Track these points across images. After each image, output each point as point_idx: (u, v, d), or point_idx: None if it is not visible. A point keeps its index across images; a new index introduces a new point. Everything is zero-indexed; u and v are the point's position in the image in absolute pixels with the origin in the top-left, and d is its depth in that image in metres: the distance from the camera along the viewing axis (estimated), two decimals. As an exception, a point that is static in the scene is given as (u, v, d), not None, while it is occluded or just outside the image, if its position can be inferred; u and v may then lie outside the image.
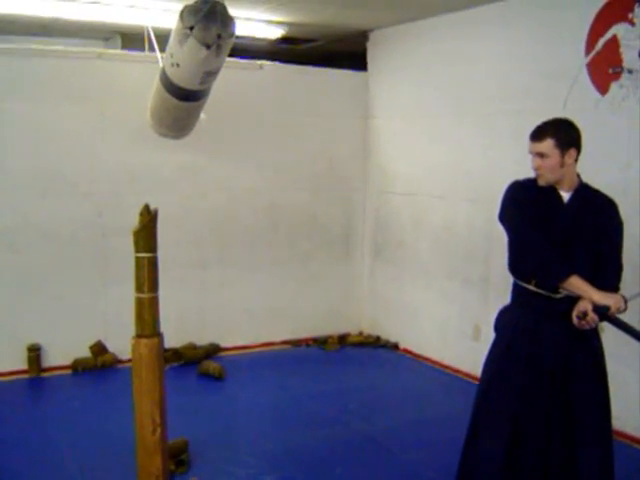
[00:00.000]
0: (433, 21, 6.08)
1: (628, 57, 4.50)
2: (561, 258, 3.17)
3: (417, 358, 6.48)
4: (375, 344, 6.86)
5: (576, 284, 3.10)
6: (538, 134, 3.25)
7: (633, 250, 4.51)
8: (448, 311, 6.12)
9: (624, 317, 3.15)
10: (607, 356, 4.80)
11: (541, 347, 3.24)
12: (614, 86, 4.60)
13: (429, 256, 6.35)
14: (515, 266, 3.37)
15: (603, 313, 3.06)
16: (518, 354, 3.29)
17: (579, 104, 4.81)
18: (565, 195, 3.29)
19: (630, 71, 4.48)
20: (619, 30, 4.55)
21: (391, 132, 6.80)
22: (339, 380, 5.94)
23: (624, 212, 4.57)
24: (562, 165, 3.23)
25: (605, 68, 4.63)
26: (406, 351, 6.66)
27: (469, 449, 3.41)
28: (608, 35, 4.62)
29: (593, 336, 3.30)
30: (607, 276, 3.20)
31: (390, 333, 6.89)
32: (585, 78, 4.76)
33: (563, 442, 3.22)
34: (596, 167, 4.76)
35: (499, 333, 3.45)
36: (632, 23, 4.46)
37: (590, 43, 4.72)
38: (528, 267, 3.30)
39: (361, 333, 7.17)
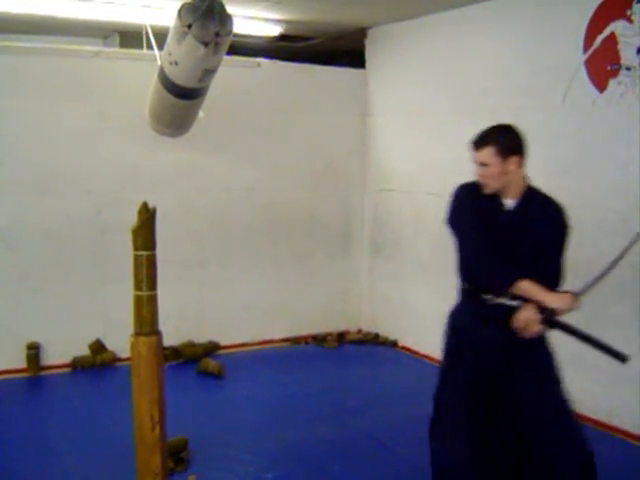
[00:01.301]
0: (431, 18, 6.08)
1: (626, 54, 4.50)
2: (506, 264, 3.14)
3: (416, 355, 6.48)
4: (374, 341, 6.87)
5: (525, 288, 3.05)
6: (478, 143, 3.20)
7: (633, 249, 4.51)
8: (447, 308, 6.09)
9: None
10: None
11: (481, 350, 3.24)
12: (612, 83, 4.60)
13: (428, 253, 6.34)
14: (462, 270, 3.34)
15: (549, 319, 3.03)
16: (463, 354, 3.31)
17: (577, 101, 4.81)
18: (511, 202, 3.23)
19: (628, 68, 4.49)
20: (617, 27, 4.55)
21: (389, 129, 6.80)
22: (338, 377, 5.94)
23: (624, 210, 4.60)
24: (505, 173, 3.15)
25: (603, 65, 4.63)
26: (405, 348, 6.66)
27: (436, 444, 3.42)
28: (606, 32, 4.62)
29: (537, 342, 3.22)
30: (546, 281, 3.12)
31: (389, 330, 6.89)
32: (583, 75, 4.76)
33: (522, 441, 3.21)
34: (594, 164, 4.78)
35: (449, 332, 3.48)
36: (630, 20, 4.46)
37: (588, 40, 4.72)
38: (476, 272, 3.27)
39: (360, 330, 7.17)
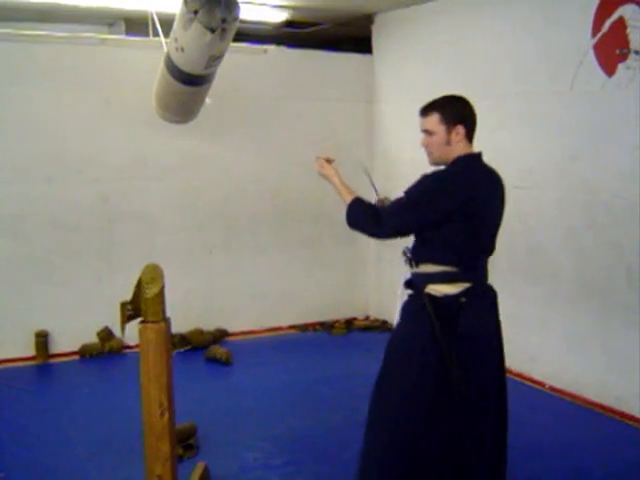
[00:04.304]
0: (439, 3, 6.03)
1: (635, 38, 4.46)
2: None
3: (423, 342, 6.47)
4: (382, 328, 6.85)
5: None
6: (424, 109, 3.16)
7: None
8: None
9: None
10: (612, 334, 4.81)
11: None
12: (621, 67, 4.56)
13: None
14: None
15: None
16: None
17: (586, 86, 4.78)
18: None
19: (637, 52, 4.45)
20: (626, 11, 4.51)
21: (396, 116, 6.77)
22: (346, 364, 5.94)
23: (632, 194, 4.58)
24: (448, 143, 3.14)
25: (612, 49, 4.59)
26: (412, 335, 6.65)
27: None
28: (615, 16, 4.58)
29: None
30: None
31: (396, 318, 6.86)
32: (592, 59, 4.72)
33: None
34: (603, 149, 4.76)
35: None
36: (639, 4, 4.42)
37: (597, 24, 4.68)
38: None
39: (367, 317, 7.17)
